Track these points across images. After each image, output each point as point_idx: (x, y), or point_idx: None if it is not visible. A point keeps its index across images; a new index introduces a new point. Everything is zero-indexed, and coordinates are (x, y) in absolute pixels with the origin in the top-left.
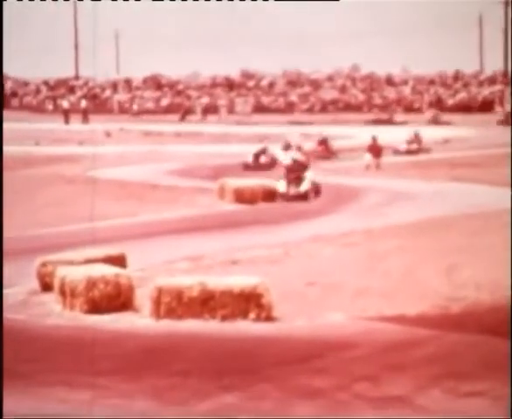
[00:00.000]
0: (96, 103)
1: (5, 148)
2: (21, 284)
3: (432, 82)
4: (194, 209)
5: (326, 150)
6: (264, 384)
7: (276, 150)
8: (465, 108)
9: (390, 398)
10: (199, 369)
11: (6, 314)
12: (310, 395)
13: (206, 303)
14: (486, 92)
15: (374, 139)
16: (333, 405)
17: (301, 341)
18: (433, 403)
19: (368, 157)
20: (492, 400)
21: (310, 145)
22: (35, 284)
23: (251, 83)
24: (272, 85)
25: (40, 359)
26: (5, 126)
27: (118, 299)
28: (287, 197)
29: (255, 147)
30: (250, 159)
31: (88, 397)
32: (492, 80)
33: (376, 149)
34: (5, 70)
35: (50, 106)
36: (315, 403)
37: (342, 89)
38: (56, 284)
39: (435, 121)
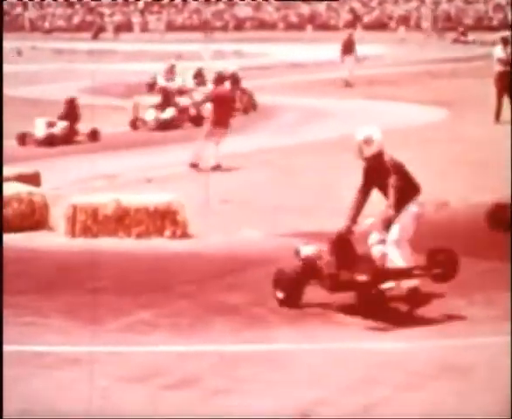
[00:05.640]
0: (6, 20)
1: None
2: None
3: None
4: (108, 128)
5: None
6: (180, 301)
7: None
8: (380, 26)
9: (307, 314)
10: (115, 287)
11: None
12: (227, 311)
13: (121, 220)
14: (400, 10)
15: None
16: (249, 320)
17: (217, 258)
18: None
19: None
20: None
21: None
22: None
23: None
24: (185, 2)
25: None
26: None
27: (32, 218)
28: None
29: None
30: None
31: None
32: None
33: None
34: None
35: None
36: (232, 319)
37: (257, 6)
38: None
39: None
